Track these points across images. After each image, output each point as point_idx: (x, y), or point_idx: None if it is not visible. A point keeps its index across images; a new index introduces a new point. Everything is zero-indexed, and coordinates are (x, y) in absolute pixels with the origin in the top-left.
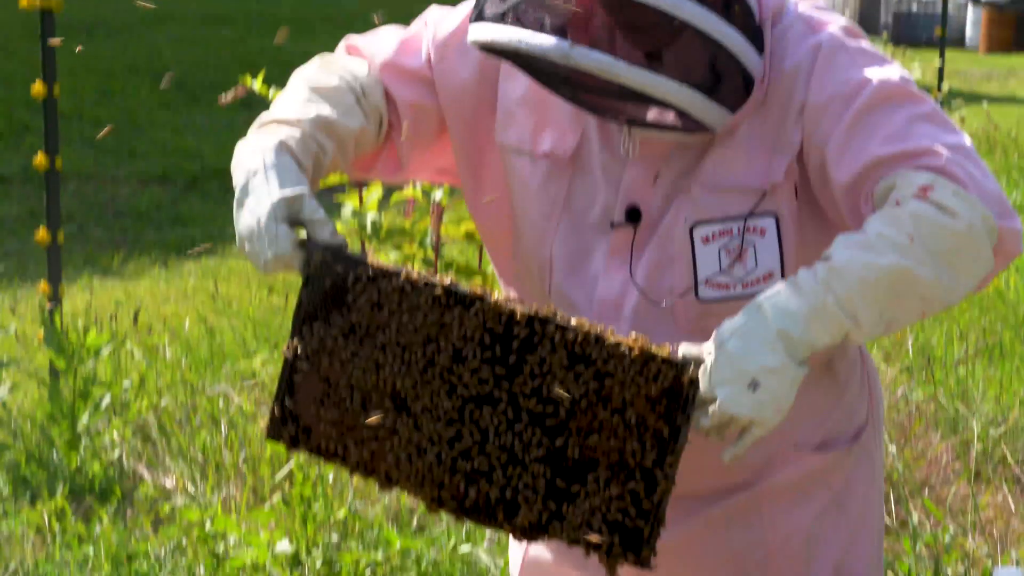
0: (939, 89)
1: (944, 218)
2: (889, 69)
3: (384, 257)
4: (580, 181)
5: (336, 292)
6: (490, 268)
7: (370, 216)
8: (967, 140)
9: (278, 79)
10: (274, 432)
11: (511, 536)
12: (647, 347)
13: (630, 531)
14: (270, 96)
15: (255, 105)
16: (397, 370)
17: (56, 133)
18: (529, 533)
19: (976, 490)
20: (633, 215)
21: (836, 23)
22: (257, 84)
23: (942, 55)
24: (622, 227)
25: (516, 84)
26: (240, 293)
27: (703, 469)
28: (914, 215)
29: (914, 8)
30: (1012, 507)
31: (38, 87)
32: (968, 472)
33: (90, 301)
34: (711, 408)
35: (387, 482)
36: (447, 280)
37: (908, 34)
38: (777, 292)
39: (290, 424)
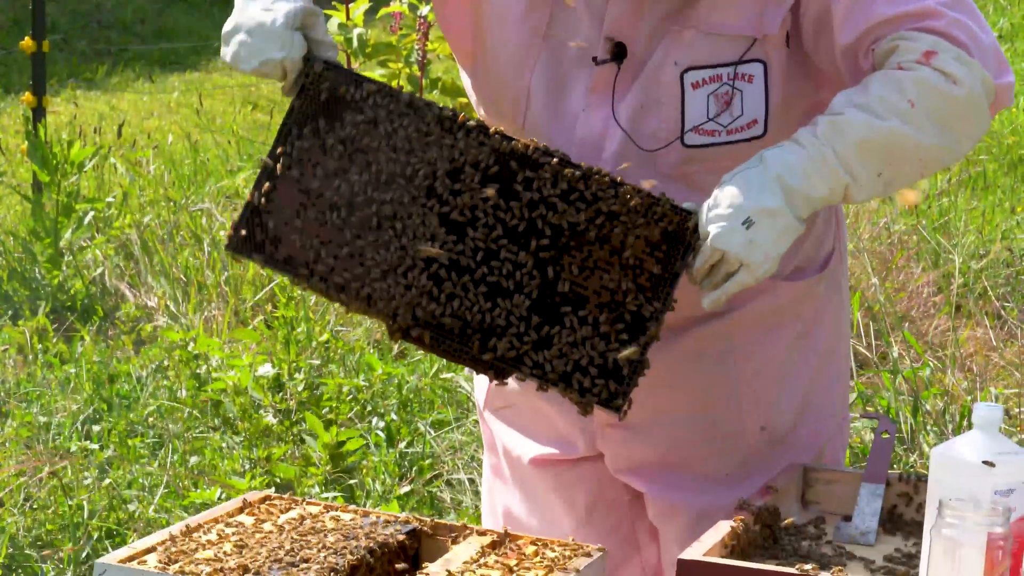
0: None
1: (947, 85)
2: None
3: (369, 73)
4: (561, 11)
5: (332, 104)
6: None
7: (356, 30)
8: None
9: None
10: (236, 240)
11: (481, 372)
12: (652, 192)
13: (609, 373)
14: None
15: None
16: (386, 188)
17: None
18: (501, 368)
19: (957, 324)
20: (617, 52)
21: None
22: None
23: None
24: (606, 63)
25: None
26: (224, 109)
27: (678, 301)
28: (917, 81)
29: None
30: (992, 342)
31: None
32: (949, 306)
33: (74, 113)
34: (703, 245)
35: (358, 302)
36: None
37: None
38: (779, 146)
39: (258, 232)
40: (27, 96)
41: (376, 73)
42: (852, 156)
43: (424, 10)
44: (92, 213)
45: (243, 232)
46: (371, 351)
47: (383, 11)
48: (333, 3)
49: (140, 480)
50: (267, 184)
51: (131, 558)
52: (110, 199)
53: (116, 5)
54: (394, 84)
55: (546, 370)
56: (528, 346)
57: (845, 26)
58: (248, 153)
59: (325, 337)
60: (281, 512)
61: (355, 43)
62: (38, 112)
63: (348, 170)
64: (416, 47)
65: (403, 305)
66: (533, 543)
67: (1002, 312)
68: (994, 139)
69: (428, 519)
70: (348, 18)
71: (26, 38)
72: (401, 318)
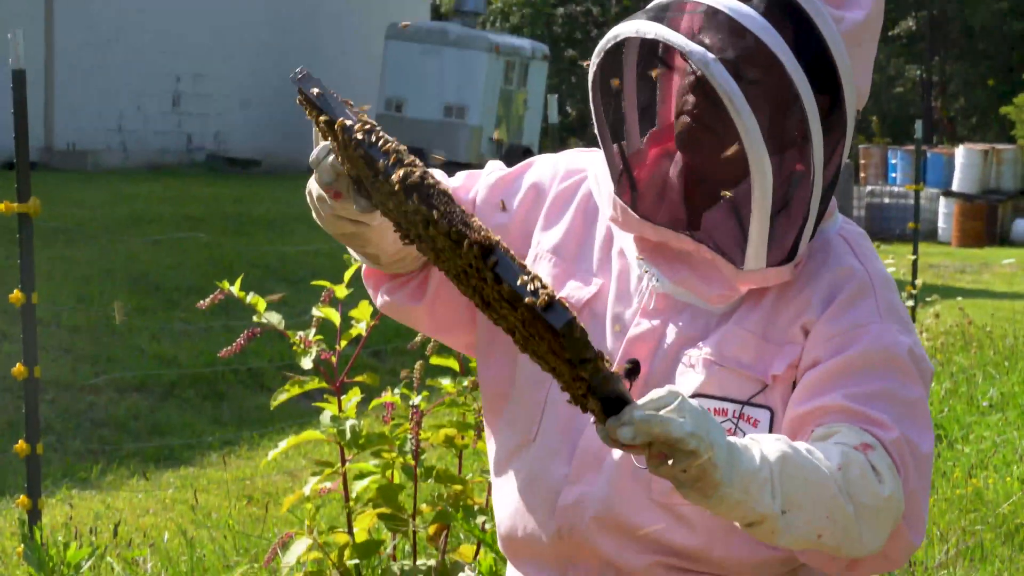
0: (913, 285)
1: (874, 477)
2: (904, 338)
3: (364, 465)
4: (589, 328)
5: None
6: (469, 475)
7: (349, 422)
8: (928, 448)
9: (254, 284)
10: None
11: None
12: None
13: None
14: (247, 300)
15: (232, 309)
16: None
17: (35, 342)
18: None
19: None
20: (632, 370)
21: (877, 266)
22: (235, 289)
23: (915, 249)
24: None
25: (551, 235)
26: (219, 503)
27: None
28: (847, 456)
29: (886, 201)
30: None
31: (16, 294)
32: None
33: (70, 514)
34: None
35: None
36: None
37: (881, 227)
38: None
39: None
40: (22, 499)
41: (370, 463)
42: (788, 481)
43: (416, 399)
44: None
45: None
46: None
47: (375, 402)
48: (324, 396)
49: None
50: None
51: None
52: None
53: (109, 402)
54: (388, 473)
55: None
56: None
57: (802, 395)
58: (244, 547)
59: None
60: None
61: (348, 435)
62: (33, 515)
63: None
64: (410, 436)
65: None
66: None
67: None
68: (988, 508)
69: None
70: (340, 410)
71: (20, 441)
72: None
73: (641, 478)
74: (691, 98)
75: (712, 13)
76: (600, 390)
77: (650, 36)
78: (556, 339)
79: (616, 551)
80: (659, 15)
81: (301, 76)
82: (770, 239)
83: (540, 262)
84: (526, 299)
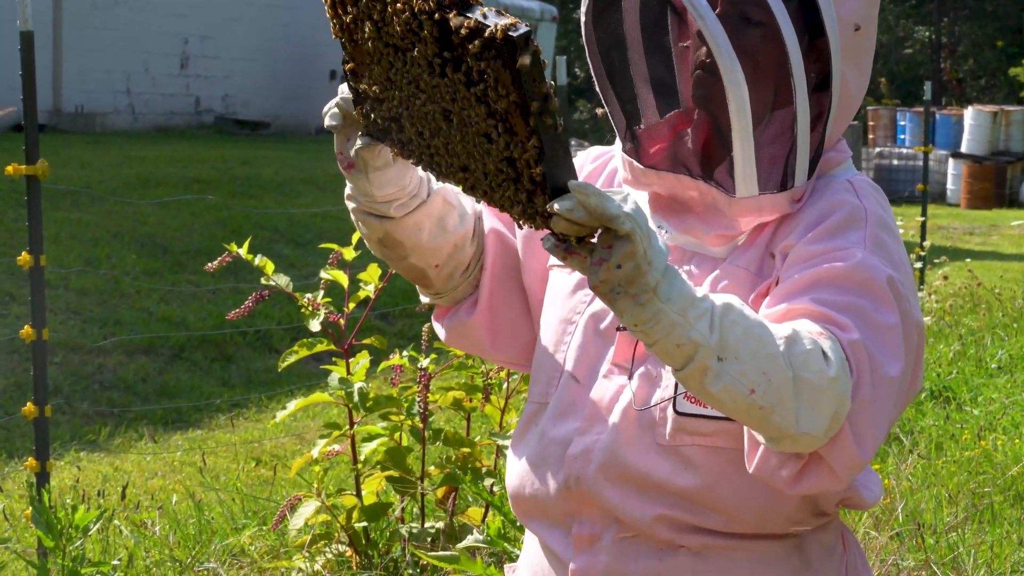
0: (921, 246)
1: (820, 355)
2: (888, 269)
3: (372, 427)
4: None
5: None
6: (477, 438)
7: (357, 385)
8: (892, 371)
9: (262, 247)
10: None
11: None
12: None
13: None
14: (255, 262)
15: (241, 271)
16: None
17: (43, 304)
18: None
19: None
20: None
21: (876, 208)
22: (243, 251)
23: (924, 211)
24: (626, 333)
25: None
26: (228, 466)
27: None
28: (798, 332)
29: (895, 163)
30: None
31: (24, 256)
32: None
33: (78, 477)
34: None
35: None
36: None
37: (890, 189)
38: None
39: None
40: (31, 462)
41: (379, 426)
42: (729, 331)
43: (424, 362)
44: None
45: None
46: None
47: (383, 364)
48: (333, 359)
49: None
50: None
51: None
52: (116, 562)
53: (117, 365)
54: (396, 436)
55: None
56: None
57: (771, 301)
58: (252, 510)
59: None
60: None
61: (356, 397)
62: (42, 477)
63: None
64: (417, 399)
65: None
66: None
67: None
68: (998, 470)
69: None
70: (348, 372)
71: (28, 404)
72: None
73: (646, 428)
74: (703, 51)
75: None
76: (549, 150)
77: None
78: (514, 71)
79: (620, 502)
80: None
81: None
82: (759, 165)
83: None
84: (486, 31)
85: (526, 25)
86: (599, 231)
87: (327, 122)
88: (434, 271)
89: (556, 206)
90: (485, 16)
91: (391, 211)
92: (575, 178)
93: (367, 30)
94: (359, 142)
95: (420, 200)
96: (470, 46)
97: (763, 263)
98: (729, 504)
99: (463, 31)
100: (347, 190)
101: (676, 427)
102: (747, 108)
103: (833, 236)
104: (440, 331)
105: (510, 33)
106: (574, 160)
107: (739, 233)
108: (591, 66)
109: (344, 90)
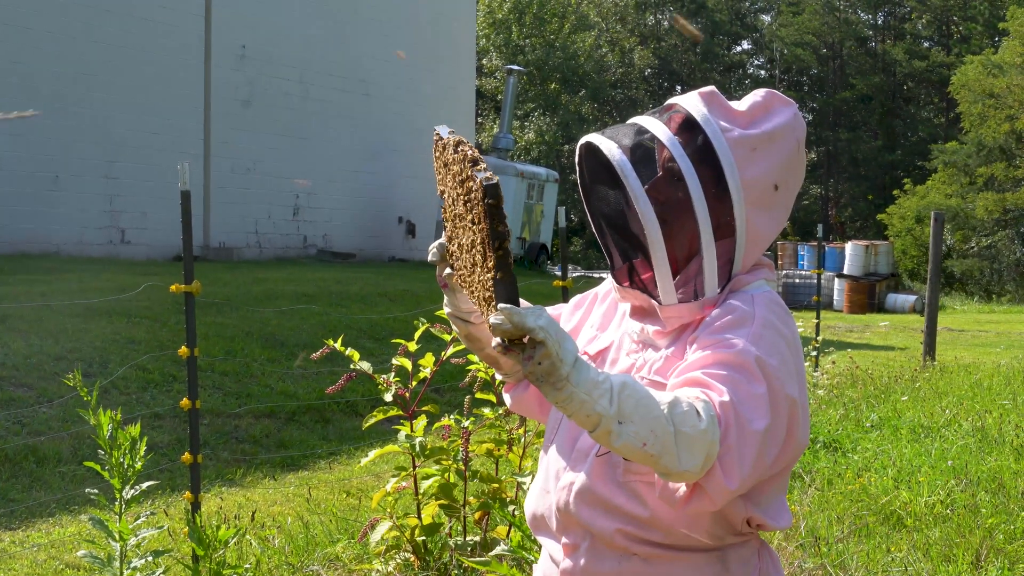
0: (816, 340)
1: (694, 414)
2: (759, 353)
3: (429, 469)
4: (601, 363)
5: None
6: (503, 477)
7: (418, 439)
8: (757, 426)
9: (351, 341)
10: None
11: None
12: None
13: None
14: (346, 353)
15: (336, 359)
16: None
17: (196, 382)
18: None
19: None
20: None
21: (768, 315)
22: (337, 345)
23: (818, 315)
24: None
25: (594, 318)
26: (326, 497)
27: None
28: (678, 397)
29: (797, 281)
30: None
31: (183, 349)
32: None
33: (220, 505)
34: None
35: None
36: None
37: (793, 300)
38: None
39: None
40: (187, 495)
41: (433, 468)
42: (627, 401)
43: (465, 423)
44: None
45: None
46: None
47: (437, 424)
48: (401, 421)
49: None
50: None
51: None
52: (247, 566)
53: (248, 425)
54: (446, 475)
55: None
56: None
57: (668, 378)
58: (344, 528)
59: None
60: None
61: (417, 448)
62: (195, 506)
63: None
64: (461, 449)
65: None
66: None
67: None
68: (872, 499)
69: None
70: (412, 430)
71: (185, 453)
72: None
73: (609, 467)
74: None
75: (632, 125)
76: (501, 276)
77: (587, 142)
78: (485, 207)
79: (592, 520)
80: (607, 133)
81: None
82: (676, 284)
83: (586, 329)
84: (477, 179)
85: (496, 179)
86: (527, 336)
87: (430, 258)
88: (503, 360)
89: (491, 320)
90: (483, 171)
91: (471, 318)
92: (516, 297)
93: (449, 202)
94: (447, 271)
95: None
96: (473, 194)
97: (684, 350)
98: (665, 524)
99: (473, 184)
100: (444, 302)
101: (626, 467)
102: (660, 242)
103: (725, 331)
104: (507, 400)
105: (484, 183)
106: (599, 284)
107: (671, 330)
108: (590, 221)
109: (443, 238)
